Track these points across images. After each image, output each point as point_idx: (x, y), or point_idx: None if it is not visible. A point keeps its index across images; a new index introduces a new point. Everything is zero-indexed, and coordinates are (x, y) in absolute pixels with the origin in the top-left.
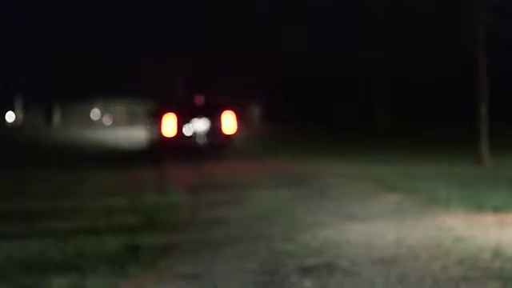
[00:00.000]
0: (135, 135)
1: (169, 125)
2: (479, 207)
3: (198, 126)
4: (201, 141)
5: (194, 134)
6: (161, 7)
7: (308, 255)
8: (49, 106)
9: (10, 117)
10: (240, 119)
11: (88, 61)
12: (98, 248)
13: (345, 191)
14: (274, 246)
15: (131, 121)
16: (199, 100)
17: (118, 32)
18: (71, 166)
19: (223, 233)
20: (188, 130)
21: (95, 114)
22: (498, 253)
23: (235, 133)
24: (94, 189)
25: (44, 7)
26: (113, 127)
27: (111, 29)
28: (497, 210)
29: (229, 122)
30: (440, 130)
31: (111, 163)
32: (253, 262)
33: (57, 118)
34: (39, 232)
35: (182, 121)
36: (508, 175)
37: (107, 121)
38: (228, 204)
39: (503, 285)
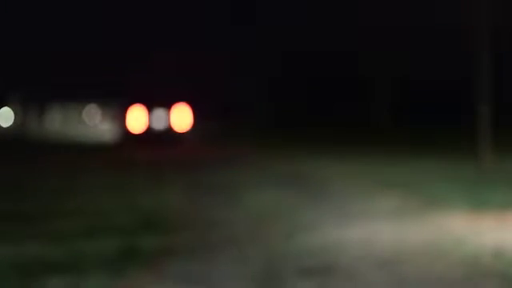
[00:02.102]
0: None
1: (135, 119)
2: (481, 207)
3: (155, 120)
4: (159, 136)
5: (154, 129)
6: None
7: (307, 257)
8: (41, 107)
9: (6, 120)
10: (201, 114)
11: (85, 61)
12: (93, 249)
13: (343, 190)
14: (272, 247)
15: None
16: (155, 93)
17: (116, 32)
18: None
19: (220, 234)
20: (151, 125)
21: (90, 114)
22: (500, 254)
23: (188, 129)
24: (87, 189)
25: (43, 7)
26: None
27: (110, 29)
28: (499, 209)
29: (179, 117)
30: (441, 129)
31: (105, 164)
32: (251, 264)
33: (51, 120)
34: (34, 233)
35: (147, 114)
36: (510, 175)
37: (102, 122)
38: (223, 204)
39: (505, 286)
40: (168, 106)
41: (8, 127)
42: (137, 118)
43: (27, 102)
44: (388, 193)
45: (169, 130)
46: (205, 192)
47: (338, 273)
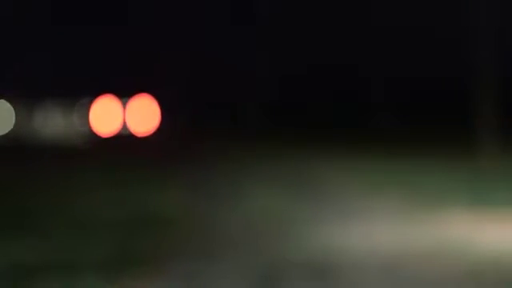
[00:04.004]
0: None
1: (100, 117)
2: (483, 207)
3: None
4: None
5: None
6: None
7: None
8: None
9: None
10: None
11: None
12: (89, 251)
13: (342, 190)
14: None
15: None
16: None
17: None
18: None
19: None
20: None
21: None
22: (507, 255)
23: (154, 130)
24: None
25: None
26: None
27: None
28: (501, 209)
29: (138, 113)
30: (441, 129)
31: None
32: (252, 269)
33: (43, 120)
34: (29, 234)
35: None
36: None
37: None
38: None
39: None
40: (126, 100)
41: (6, 134)
42: (102, 116)
43: (27, 98)
44: (389, 192)
45: (127, 132)
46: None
47: (339, 272)
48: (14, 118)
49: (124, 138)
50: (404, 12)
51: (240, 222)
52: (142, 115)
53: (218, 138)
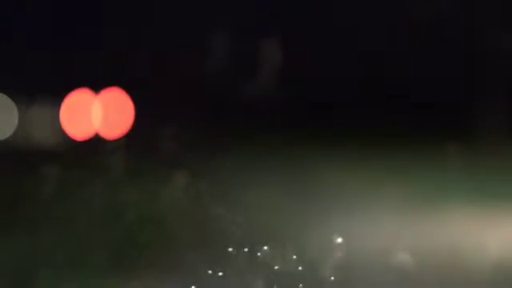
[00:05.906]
0: None
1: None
2: (483, 206)
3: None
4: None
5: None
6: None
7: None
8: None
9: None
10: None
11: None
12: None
13: (341, 189)
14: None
15: None
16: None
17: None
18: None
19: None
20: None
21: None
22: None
23: (124, 133)
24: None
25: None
26: None
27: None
28: (502, 208)
29: (105, 112)
30: (442, 127)
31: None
32: (252, 268)
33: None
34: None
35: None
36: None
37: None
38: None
39: None
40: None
41: (8, 138)
42: (75, 116)
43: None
44: (389, 191)
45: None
46: None
47: (338, 271)
48: (16, 118)
49: (95, 141)
50: (401, 10)
51: (238, 221)
52: (110, 114)
53: (216, 137)
